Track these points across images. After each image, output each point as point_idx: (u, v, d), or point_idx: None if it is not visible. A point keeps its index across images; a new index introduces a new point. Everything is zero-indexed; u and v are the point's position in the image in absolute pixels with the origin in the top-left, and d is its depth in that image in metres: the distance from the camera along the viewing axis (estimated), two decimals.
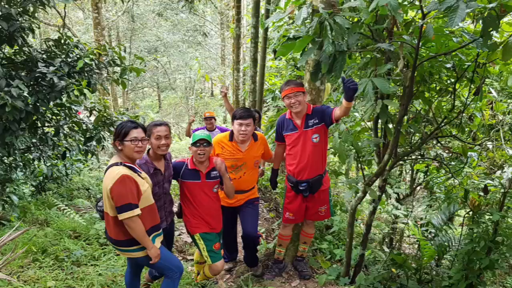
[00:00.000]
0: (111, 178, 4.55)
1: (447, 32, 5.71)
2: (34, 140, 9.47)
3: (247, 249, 7.18)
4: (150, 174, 5.34)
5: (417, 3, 5.48)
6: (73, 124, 9.34)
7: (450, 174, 8.16)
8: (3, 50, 8.31)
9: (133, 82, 35.12)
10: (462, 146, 7.48)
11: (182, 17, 33.00)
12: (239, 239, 7.50)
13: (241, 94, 18.17)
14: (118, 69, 9.56)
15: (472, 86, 6.25)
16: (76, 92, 8.13)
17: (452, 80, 6.47)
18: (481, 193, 7.73)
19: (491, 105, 9.12)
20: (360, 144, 6.92)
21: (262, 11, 12.63)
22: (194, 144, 5.75)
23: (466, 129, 8.14)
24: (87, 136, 9.18)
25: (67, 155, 10.03)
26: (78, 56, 8.63)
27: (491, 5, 4.26)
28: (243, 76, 19.68)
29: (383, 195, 7.47)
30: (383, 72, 5.94)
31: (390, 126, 6.49)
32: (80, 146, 9.70)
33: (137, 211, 4.61)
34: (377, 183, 7.07)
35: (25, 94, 7.36)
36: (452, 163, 8.84)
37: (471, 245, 7.27)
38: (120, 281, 6.55)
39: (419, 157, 8.49)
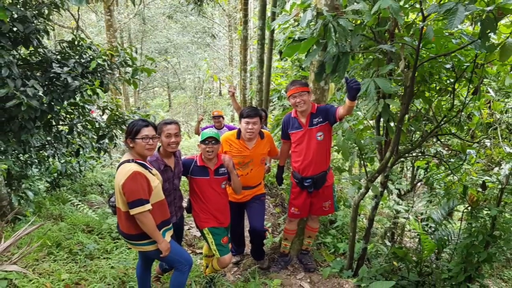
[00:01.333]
0: (123, 175, 4.57)
1: (447, 34, 5.71)
2: (48, 138, 9.50)
3: (254, 243, 7.20)
4: (161, 171, 5.35)
5: (417, 6, 5.48)
6: (86, 123, 9.37)
7: (450, 171, 8.15)
8: (19, 51, 8.34)
9: (144, 82, 35.18)
10: (461, 144, 7.48)
11: (191, 19, 33.07)
12: (246, 233, 7.52)
13: (248, 94, 18.16)
14: (129, 69, 9.58)
15: (471, 86, 6.24)
16: (89, 92, 8.16)
17: (452, 80, 6.46)
18: (480, 189, 7.73)
19: (489, 104, 9.10)
20: (363, 142, 6.91)
21: (269, 13, 12.63)
22: (203, 141, 5.77)
23: (465, 128, 8.14)
24: (100, 134, 9.21)
25: (81, 152, 10.06)
26: (91, 57, 8.66)
27: (488, 8, 4.26)
28: (250, 76, 19.68)
29: (385, 191, 7.47)
30: (385, 73, 5.94)
31: (392, 124, 6.49)
32: (93, 143, 9.74)
33: (148, 206, 4.62)
34: (379, 179, 7.07)
35: (40, 93, 7.38)
36: (452, 160, 8.83)
37: (469, 239, 7.28)
38: (132, 274, 6.57)
39: (420, 154, 8.48)
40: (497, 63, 6.56)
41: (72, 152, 10.38)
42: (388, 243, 9.74)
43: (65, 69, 8.03)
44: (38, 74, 8.20)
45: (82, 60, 8.51)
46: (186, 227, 9.26)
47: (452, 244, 8.33)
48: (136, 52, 9.75)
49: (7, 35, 7.59)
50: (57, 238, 7.49)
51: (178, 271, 5.27)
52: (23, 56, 8.40)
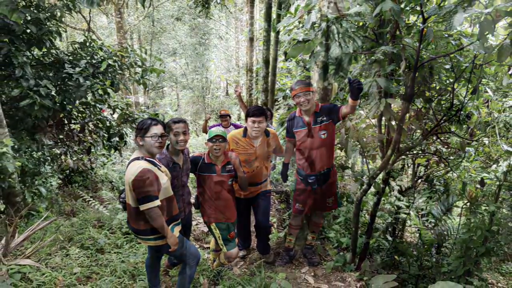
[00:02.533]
0: (133, 172, 4.57)
1: (446, 35, 5.70)
2: (61, 136, 9.53)
3: (260, 238, 7.21)
4: (169, 168, 5.36)
5: (418, 8, 5.47)
6: (98, 121, 9.39)
7: (449, 168, 8.15)
8: (32, 52, 8.36)
9: (153, 82, 35.22)
10: (460, 142, 7.47)
11: (199, 21, 33.04)
12: (252, 229, 7.54)
13: (254, 93, 18.18)
14: (139, 70, 9.60)
15: (470, 85, 6.24)
16: (100, 91, 8.19)
17: (451, 80, 6.46)
18: (478, 186, 7.73)
19: (487, 104, 9.10)
20: (365, 140, 6.91)
21: (274, 16, 12.64)
22: (210, 140, 5.78)
23: (464, 126, 8.13)
24: (111, 132, 9.24)
25: (92, 150, 10.09)
26: (102, 58, 8.69)
27: (487, 11, 4.25)
28: (256, 76, 19.69)
29: (386, 188, 7.46)
30: (387, 73, 5.94)
31: (393, 123, 6.49)
32: (104, 141, 9.76)
33: (157, 202, 4.63)
34: (381, 176, 7.07)
35: (53, 93, 7.41)
36: (451, 157, 8.82)
37: (468, 234, 7.27)
38: (141, 268, 6.59)
39: (420, 152, 8.47)
40: (495, 64, 6.57)
41: (84, 150, 10.41)
42: (390, 238, 9.74)
43: (77, 69, 8.07)
44: (50, 74, 8.23)
45: (93, 61, 8.55)
46: (194, 223, 9.26)
47: (452, 239, 8.34)
48: (146, 53, 9.77)
49: (21, 36, 7.62)
50: (69, 233, 7.51)
51: (186, 265, 5.29)
52: (37, 57, 8.43)
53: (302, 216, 7.22)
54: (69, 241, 7.34)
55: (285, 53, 10.61)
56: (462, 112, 7.09)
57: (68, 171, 10.95)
